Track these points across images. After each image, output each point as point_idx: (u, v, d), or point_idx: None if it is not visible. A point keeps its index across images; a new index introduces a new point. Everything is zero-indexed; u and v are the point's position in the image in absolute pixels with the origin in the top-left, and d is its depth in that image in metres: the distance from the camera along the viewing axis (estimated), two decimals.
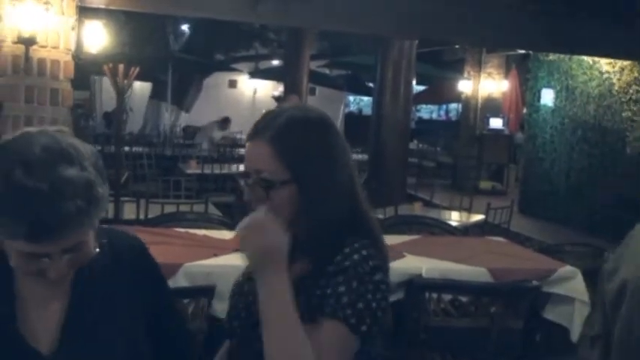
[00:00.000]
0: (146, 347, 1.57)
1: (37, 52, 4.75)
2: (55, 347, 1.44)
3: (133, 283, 1.57)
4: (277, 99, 13.14)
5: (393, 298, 3.74)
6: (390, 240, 4.57)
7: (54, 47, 4.80)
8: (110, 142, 12.23)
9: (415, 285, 3.79)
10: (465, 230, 6.33)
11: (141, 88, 16.77)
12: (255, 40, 17.93)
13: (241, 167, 10.41)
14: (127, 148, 10.92)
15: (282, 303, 1.50)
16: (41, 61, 4.78)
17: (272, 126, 1.60)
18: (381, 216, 5.99)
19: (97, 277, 1.50)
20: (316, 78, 15.79)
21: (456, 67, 15.36)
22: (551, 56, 10.94)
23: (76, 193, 1.31)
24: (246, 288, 1.68)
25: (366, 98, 22.02)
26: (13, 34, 4.70)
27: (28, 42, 4.67)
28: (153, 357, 1.60)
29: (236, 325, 1.69)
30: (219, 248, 4.10)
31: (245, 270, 1.76)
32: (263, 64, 19.62)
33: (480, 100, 14.11)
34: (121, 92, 5.76)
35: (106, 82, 16.24)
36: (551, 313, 4.13)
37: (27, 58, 4.70)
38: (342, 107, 20.39)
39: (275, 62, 18.68)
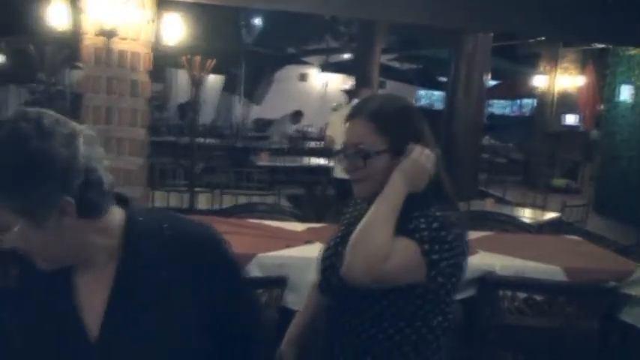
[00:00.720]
0: (199, 343, 1.52)
1: (117, 45, 4.86)
2: (99, 334, 1.46)
3: (191, 274, 1.51)
4: (348, 92, 13.09)
5: (464, 294, 3.72)
6: None
7: (134, 39, 4.90)
8: (183, 134, 12.45)
9: (488, 282, 3.74)
10: (539, 228, 6.21)
11: (213, 80, 16.98)
12: (327, 33, 17.90)
13: (313, 160, 10.56)
14: (199, 140, 11.09)
15: (395, 206, 1.83)
16: (122, 53, 4.88)
17: (369, 107, 1.94)
18: None
19: (145, 264, 1.48)
20: (387, 72, 15.69)
21: (531, 62, 15.05)
22: (632, 51, 10.61)
23: None
24: (340, 249, 1.93)
25: (436, 92, 21.78)
26: (95, 26, 4.82)
27: (110, 34, 4.79)
28: (211, 354, 1.56)
29: (334, 281, 1.94)
30: (291, 240, 4.13)
31: (332, 237, 2.08)
32: (334, 58, 19.60)
33: (554, 96, 13.80)
34: (197, 84, 5.85)
35: (181, 75, 16.59)
36: (628, 316, 4.01)
37: (108, 50, 4.82)
38: (413, 102, 20.23)
39: (346, 55, 18.63)
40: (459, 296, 3.67)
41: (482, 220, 5.42)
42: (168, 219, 1.57)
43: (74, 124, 1.40)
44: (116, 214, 1.49)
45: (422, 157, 1.88)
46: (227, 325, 1.61)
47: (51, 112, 1.39)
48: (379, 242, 1.76)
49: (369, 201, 1.90)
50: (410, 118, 1.95)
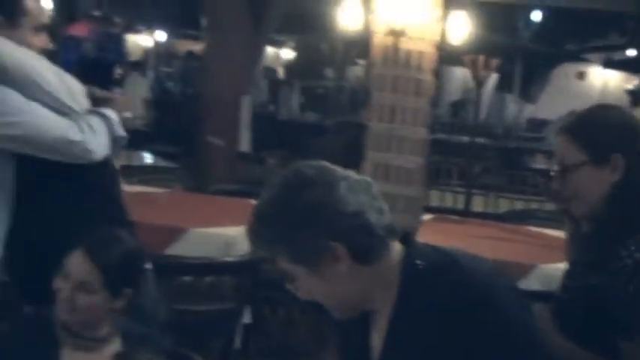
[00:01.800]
0: None
1: (405, 44, 4.92)
2: None
3: (466, 336, 1.41)
4: (632, 93, 12.22)
5: None
6: None
7: (421, 39, 4.93)
8: (454, 132, 12.42)
9: None
10: None
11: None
12: (610, 28, 16.89)
13: None
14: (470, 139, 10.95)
15: None
16: (408, 53, 4.93)
17: (569, 120, 1.93)
18: None
19: (418, 316, 1.46)
20: None
21: None
22: None
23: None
24: None
25: None
26: (385, 26, 4.91)
27: (398, 34, 4.86)
28: None
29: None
30: None
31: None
32: (617, 55, 18.39)
33: None
34: (480, 84, 5.77)
35: (455, 72, 16.56)
36: None
37: (396, 49, 4.90)
38: None
39: (630, 52, 17.39)
40: None
41: None
42: (451, 266, 1.48)
43: (339, 171, 1.47)
44: (394, 258, 1.49)
45: None
46: None
47: (313, 163, 1.48)
48: None
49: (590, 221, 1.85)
50: (613, 127, 1.84)
